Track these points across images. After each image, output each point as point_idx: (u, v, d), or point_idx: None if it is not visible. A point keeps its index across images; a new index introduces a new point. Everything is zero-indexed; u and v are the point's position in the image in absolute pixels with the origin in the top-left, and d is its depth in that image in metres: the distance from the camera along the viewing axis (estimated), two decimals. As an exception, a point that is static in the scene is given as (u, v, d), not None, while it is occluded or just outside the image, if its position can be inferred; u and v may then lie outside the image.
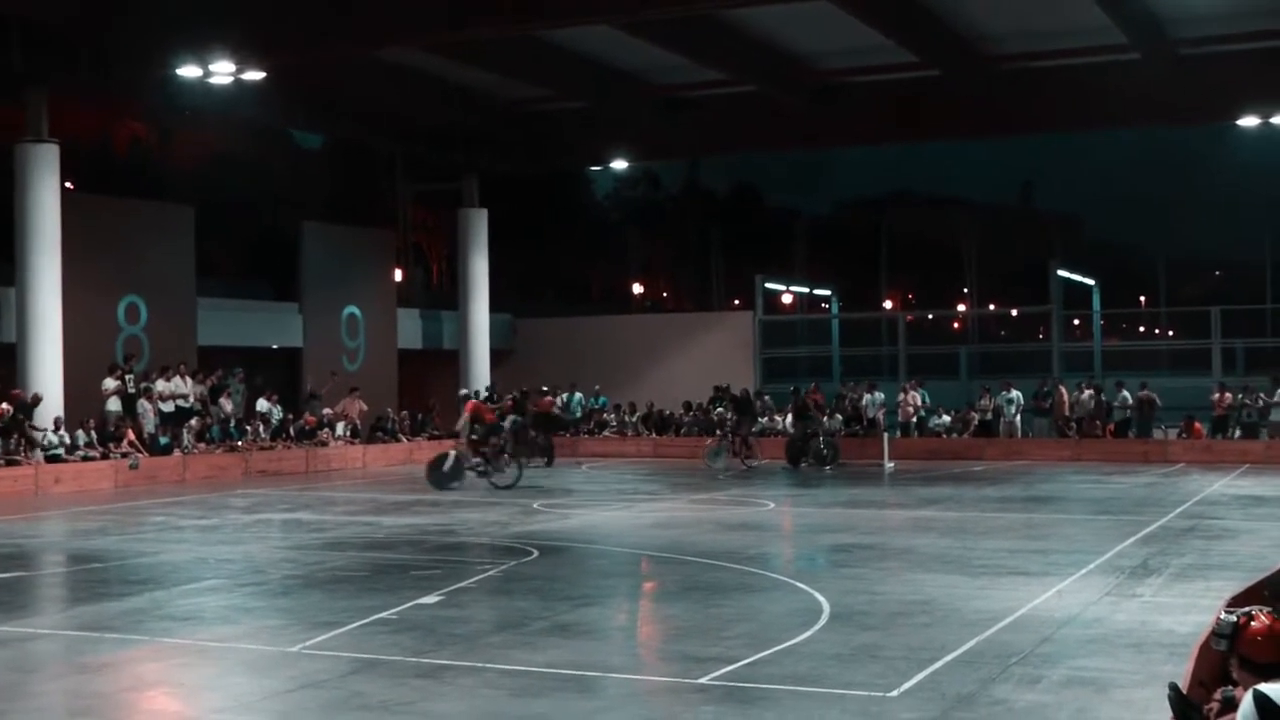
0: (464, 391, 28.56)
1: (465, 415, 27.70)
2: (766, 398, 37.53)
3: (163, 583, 14.77)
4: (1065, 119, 35.60)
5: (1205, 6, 27.75)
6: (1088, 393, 34.53)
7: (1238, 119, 33.08)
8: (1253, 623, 6.07)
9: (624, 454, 36.69)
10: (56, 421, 27.81)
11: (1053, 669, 10.10)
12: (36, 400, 27.73)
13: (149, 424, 29.64)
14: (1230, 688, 6.20)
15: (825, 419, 33.55)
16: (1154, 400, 34.10)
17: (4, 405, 26.81)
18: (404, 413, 37.18)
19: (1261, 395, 33.00)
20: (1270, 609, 6.42)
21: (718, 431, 33.88)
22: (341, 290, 37.42)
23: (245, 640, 11.51)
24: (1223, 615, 6.24)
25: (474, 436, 27.08)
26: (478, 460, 26.84)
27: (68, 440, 27.84)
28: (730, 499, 24.70)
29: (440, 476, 26.65)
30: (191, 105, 31.17)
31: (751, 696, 9.35)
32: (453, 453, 27.18)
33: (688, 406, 38.07)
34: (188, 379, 30.86)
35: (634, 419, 38.67)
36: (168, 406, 30.21)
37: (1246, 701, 5.64)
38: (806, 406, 32.99)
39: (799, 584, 14.18)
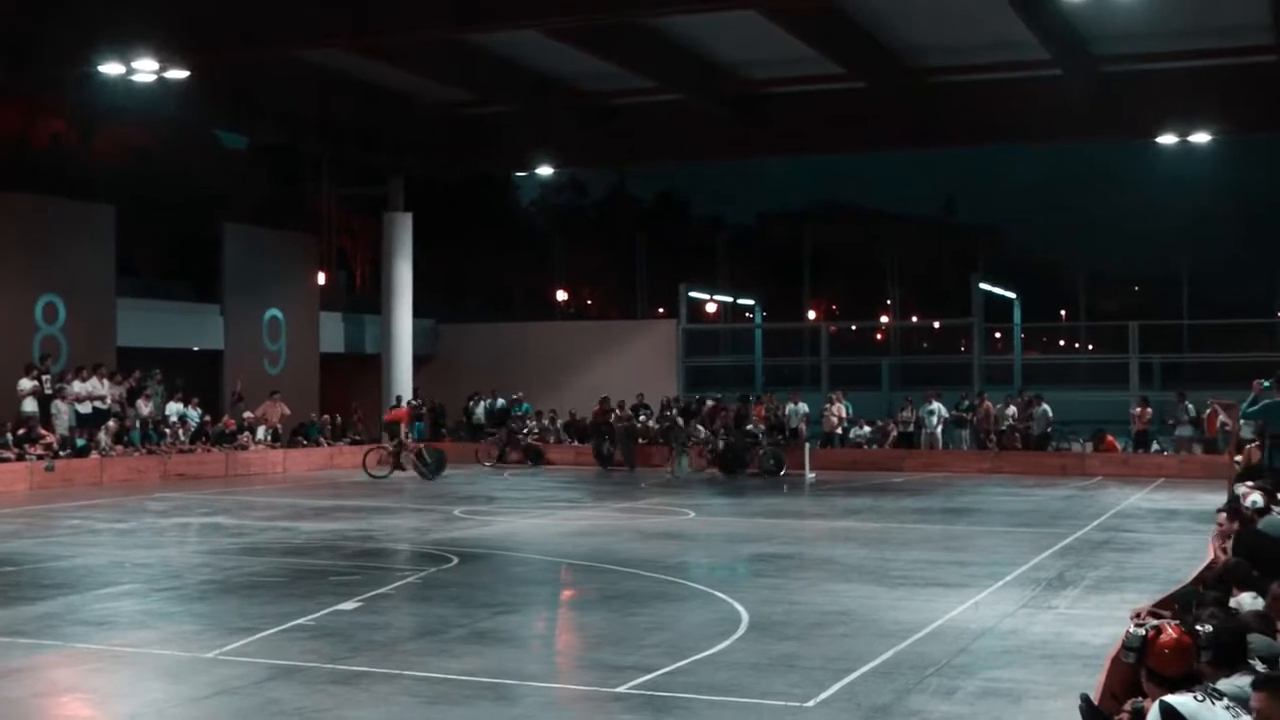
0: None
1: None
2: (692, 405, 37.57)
3: (77, 587, 14.60)
4: (989, 133, 35.84)
5: (1128, 26, 28.06)
6: (1011, 408, 34.83)
7: (1157, 137, 33.47)
8: (1161, 636, 6.18)
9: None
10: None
11: (968, 680, 10.20)
12: None
13: (62, 425, 29.22)
14: (1140, 699, 6.30)
15: (762, 428, 33.86)
16: (1046, 413, 34.48)
17: None
18: (325, 417, 36.96)
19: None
20: (1178, 622, 6.54)
21: (660, 440, 34.28)
22: (264, 293, 37.09)
23: (160, 646, 11.39)
24: (1132, 629, 6.34)
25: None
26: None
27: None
28: (651, 507, 24.72)
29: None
30: (114, 103, 30.75)
31: (669, 705, 9.37)
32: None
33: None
34: (105, 380, 30.46)
35: (557, 426, 38.58)
36: (84, 408, 29.80)
37: (1153, 713, 5.74)
38: (747, 416, 33.24)
39: (718, 593, 14.22)
